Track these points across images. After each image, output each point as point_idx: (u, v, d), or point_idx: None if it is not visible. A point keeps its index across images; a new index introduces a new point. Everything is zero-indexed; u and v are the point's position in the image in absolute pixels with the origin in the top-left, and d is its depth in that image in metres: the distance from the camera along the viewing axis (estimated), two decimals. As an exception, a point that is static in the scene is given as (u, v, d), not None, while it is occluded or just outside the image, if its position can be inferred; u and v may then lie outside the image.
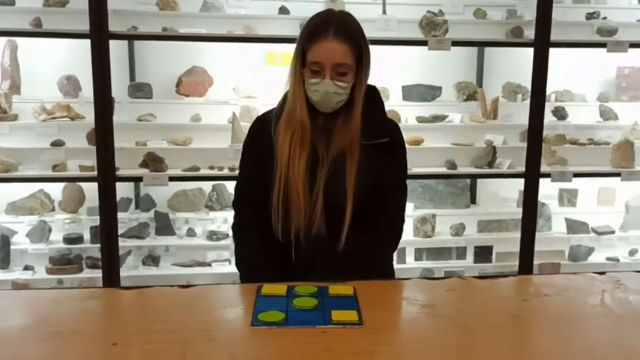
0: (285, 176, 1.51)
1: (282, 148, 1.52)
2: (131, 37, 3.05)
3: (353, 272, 1.47)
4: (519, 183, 3.53)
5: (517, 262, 3.39)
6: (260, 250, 1.59)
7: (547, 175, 3.13)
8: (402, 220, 1.66)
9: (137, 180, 2.83)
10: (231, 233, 1.69)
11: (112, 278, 2.84)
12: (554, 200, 3.88)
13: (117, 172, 2.79)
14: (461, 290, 1.47)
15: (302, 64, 1.51)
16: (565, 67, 3.51)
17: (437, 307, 1.33)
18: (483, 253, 3.57)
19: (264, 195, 1.56)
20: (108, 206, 2.74)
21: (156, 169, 2.87)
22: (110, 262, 2.80)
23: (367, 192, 1.55)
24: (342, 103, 1.53)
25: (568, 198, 3.91)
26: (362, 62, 1.52)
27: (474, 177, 3.58)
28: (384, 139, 1.57)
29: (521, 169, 3.16)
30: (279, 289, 1.39)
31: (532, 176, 3.04)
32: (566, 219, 3.78)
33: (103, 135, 2.71)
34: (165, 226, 3.48)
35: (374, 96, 1.61)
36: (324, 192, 1.53)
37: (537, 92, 3.00)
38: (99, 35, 2.63)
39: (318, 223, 1.53)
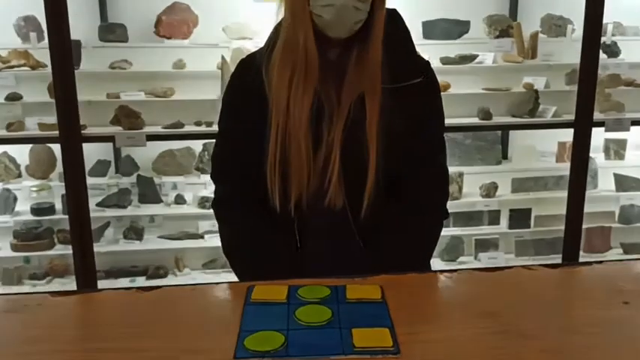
0: (284, 127, 1.17)
1: (278, 90, 1.17)
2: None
3: (380, 259, 1.17)
4: (558, 133, 3.17)
5: (560, 227, 3.05)
6: (257, 222, 1.26)
7: (600, 124, 2.73)
8: (447, 190, 1.33)
9: (108, 140, 2.49)
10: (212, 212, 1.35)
11: (84, 256, 2.50)
12: (599, 153, 3.49)
13: (83, 131, 2.43)
14: (529, 288, 1.11)
15: None
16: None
17: (502, 316, 0.97)
18: (520, 217, 3.20)
19: (255, 162, 1.21)
20: (74, 171, 2.38)
21: (130, 126, 2.50)
22: (81, 238, 2.46)
23: (396, 151, 1.19)
24: (360, 24, 1.16)
25: (615, 150, 3.52)
26: None
27: (512, 128, 3.17)
28: (415, 80, 1.22)
29: (568, 117, 2.77)
30: (276, 291, 1.04)
31: (584, 125, 2.64)
32: (615, 174, 3.40)
33: (63, 86, 2.33)
34: (149, 193, 3.16)
35: (396, 23, 1.24)
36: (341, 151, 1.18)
37: (591, 24, 2.57)
38: (49, -40, 2.21)
39: (334, 190, 1.19)
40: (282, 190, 1.20)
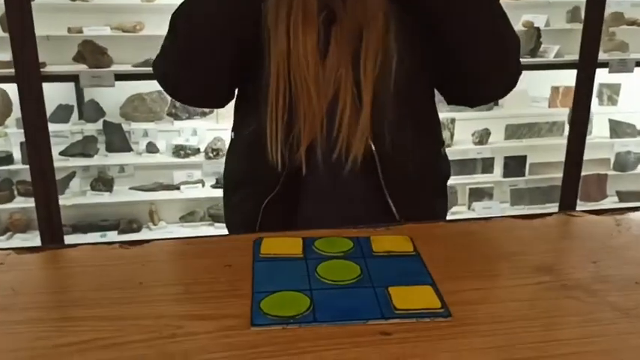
0: (286, 71, 1.00)
1: (274, 27, 1.00)
2: None
3: None
4: (551, 77, 3.06)
5: (554, 175, 2.99)
6: None
7: (604, 65, 2.62)
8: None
9: (71, 79, 2.28)
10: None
11: (48, 209, 2.32)
12: (592, 98, 3.39)
13: (43, 69, 2.21)
14: (578, 237, 1.00)
15: None
16: None
17: (556, 270, 0.85)
18: (515, 165, 3.11)
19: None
20: (33, 115, 2.17)
21: (96, 63, 2.28)
22: (44, 190, 2.27)
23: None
24: None
25: (608, 95, 3.43)
26: None
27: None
28: None
29: (570, 57, 2.64)
30: (289, 244, 0.90)
31: (588, 66, 2.51)
32: (610, 120, 3.32)
33: (18, 19, 2.10)
34: (118, 140, 2.97)
35: None
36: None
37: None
38: None
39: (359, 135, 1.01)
40: (285, 143, 1.02)
